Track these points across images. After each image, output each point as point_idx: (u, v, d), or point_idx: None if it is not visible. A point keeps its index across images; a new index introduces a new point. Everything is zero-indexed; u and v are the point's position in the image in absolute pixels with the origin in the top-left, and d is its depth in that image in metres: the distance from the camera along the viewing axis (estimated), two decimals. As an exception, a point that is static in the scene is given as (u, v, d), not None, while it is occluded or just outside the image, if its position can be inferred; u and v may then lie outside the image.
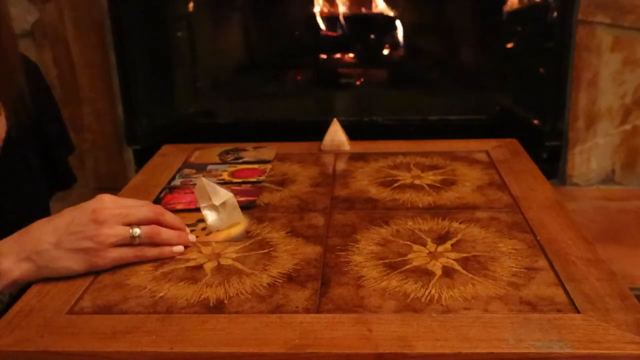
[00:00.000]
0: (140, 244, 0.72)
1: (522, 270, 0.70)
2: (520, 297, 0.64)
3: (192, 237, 0.77)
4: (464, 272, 0.69)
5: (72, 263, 0.70)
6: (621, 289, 0.65)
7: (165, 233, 0.74)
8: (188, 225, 0.82)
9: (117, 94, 1.95)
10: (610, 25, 1.79)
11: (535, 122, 1.96)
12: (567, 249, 0.74)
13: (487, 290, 0.66)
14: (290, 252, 0.75)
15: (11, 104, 0.86)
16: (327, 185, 0.96)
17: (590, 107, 1.86)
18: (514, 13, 2.05)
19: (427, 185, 0.95)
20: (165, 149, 1.15)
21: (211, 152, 1.11)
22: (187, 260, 0.74)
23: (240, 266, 0.72)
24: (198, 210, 0.82)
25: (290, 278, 0.69)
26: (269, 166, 1.04)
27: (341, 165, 1.05)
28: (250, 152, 1.11)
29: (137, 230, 0.71)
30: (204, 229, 0.82)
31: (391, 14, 2.16)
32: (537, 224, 0.80)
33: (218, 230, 0.81)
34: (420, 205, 0.88)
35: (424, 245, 0.76)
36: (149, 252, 0.73)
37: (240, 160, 1.07)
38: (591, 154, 1.90)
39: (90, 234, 0.69)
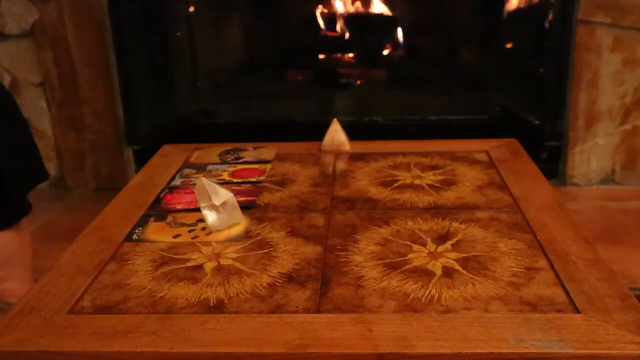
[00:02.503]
0: None
1: (522, 270, 0.70)
2: (521, 297, 0.64)
3: None
4: (464, 272, 0.69)
5: None
6: (621, 289, 0.65)
7: None
8: (188, 225, 0.82)
9: (117, 94, 1.95)
10: (610, 25, 1.79)
11: (535, 122, 1.96)
12: (567, 249, 0.74)
13: (487, 291, 0.66)
14: (290, 252, 0.75)
15: None
16: (327, 185, 0.96)
17: (590, 107, 1.86)
18: (514, 13, 2.05)
19: (427, 185, 0.95)
20: (165, 149, 1.15)
21: (211, 152, 1.11)
22: (187, 260, 0.74)
23: (240, 266, 0.72)
24: (198, 210, 0.82)
25: (290, 278, 0.69)
26: (269, 166, 1.04)
27: (341, 165, 1.05)
28: (250, 152, 1.11)
29: None
30: (204, 228, 0.82)
31: (391, 14, 2.16)
32: (537, 224, 0.80)
33: (218, 230, 0.81)
34: (420, 205, 0.88)
35: (424, 245, 0.76)
36: None
37: (240, 160, 1.07)
38: (591, 154, 1.90)
39: None
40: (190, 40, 2.21)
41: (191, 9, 2.15)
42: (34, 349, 0.59)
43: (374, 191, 0.93)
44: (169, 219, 0.85)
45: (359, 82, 2.21)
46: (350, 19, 2.17)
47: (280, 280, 0.69)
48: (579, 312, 0.61)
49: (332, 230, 0.80)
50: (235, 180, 0.99)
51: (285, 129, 2.05)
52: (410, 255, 0.73)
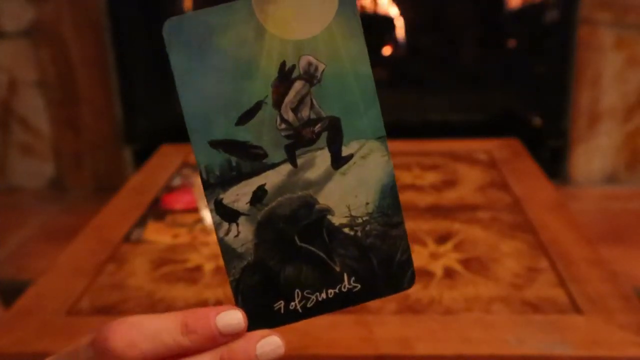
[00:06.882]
0: None
1: (524, 271, 0.69)
2: (522, 298, 0.64)
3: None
4: (465, 272, 0.69)
5: None
6: (624, 290, 0.65)
7: None
8: (187, 226, 0.82)
9: (115, 93, 1.94)
10: (612, 23, 1.78)
11: (537, 121, 1.95)
12: (569, 250, 0.73)
13: (489, 291, 0.65)
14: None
15: None
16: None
17: (593, 106, 1.85)
18: (516, 12, 2.04)
19: (428, 185, 0.94)
20: (164, 149, 1.14)
21: (211, 152, 1.11)
22: (186, 261, 0.74)
23: (239, 267, 0.72)
24: (197, 210, 0.82)
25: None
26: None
27: (341, 165, 1.04)
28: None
29: None
30: (203, 229, 0.81)
31: (391, 13, 2.15)
32: (539, 224, 0.80)
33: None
34: (421, 205, 0.87)
35: (425, 245, 0.75)
36: None
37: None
38: (594, 154, 1.90)
39: None
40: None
41: (190, 8, 2.14)
42: (32, 351, 0.59)
43: (375, 191, 0.92)
44: (168, 219, 0.85)
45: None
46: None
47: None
48: (581, 313, 0.61)
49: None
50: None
51: (286, 128, 2.05)
52: (411, 256, 0.73)
